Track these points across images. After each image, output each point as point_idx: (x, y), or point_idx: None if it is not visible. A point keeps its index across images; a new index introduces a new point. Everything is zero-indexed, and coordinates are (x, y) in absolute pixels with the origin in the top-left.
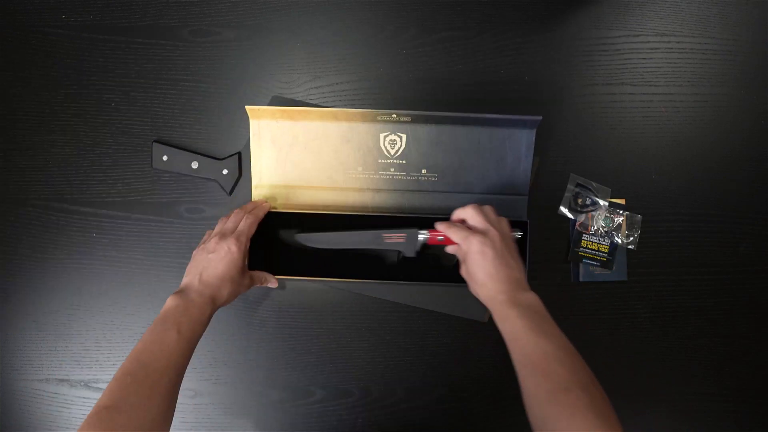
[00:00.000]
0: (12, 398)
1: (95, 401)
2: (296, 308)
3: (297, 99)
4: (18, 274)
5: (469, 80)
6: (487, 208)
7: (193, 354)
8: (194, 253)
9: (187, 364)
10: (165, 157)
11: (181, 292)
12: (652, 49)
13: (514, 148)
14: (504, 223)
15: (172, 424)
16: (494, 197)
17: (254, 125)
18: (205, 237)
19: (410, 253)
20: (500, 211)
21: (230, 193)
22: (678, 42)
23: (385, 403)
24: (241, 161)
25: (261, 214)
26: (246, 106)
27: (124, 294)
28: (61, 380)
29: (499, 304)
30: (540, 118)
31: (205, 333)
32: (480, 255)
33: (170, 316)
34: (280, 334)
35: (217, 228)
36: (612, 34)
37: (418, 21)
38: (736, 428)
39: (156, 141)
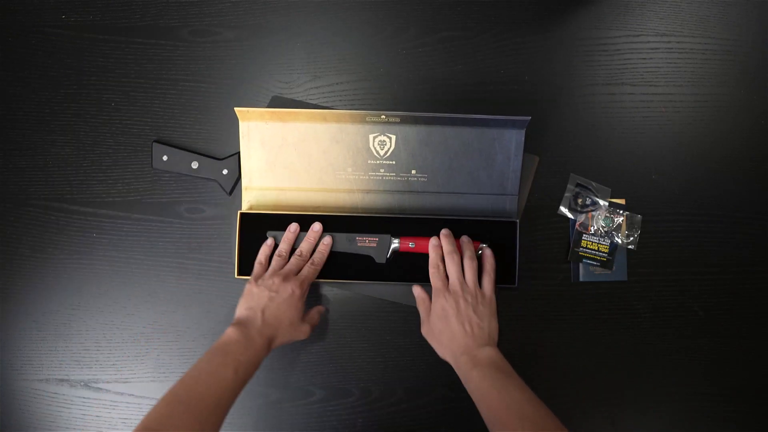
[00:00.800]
0: (12, 398)
1: (95, 401)
2: None
3: (297, 99)
4: (18, 274)
5: (469, 80)
6: (467, 264)
7: (194, 354)
8: (249, 287)
9: (235, 401)
10: (165, 157)
11: (242, 326)
12: (652, 49)
13: (504, 148)
14: (486, 281)
15: None
16: (484, 197)
17: (243, 127)
18: (257, 270)
19: (380, 259)
20: (490, 211)
21: (230, 193)
22: (678, 42)
23: (385, 403)
24: (241, 161)
25: (324, 260)
26: (235, 108)
27: (124, 294)
28: (61, 380)
29: (462, 365)
30: (528, 118)
31: (204, 333)
32: (440, 315)
33: (230, 351)
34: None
35: (275, 265)
36: (612, 34)
37: (418, 21)
38: (736, 428)
39: (156, 141)
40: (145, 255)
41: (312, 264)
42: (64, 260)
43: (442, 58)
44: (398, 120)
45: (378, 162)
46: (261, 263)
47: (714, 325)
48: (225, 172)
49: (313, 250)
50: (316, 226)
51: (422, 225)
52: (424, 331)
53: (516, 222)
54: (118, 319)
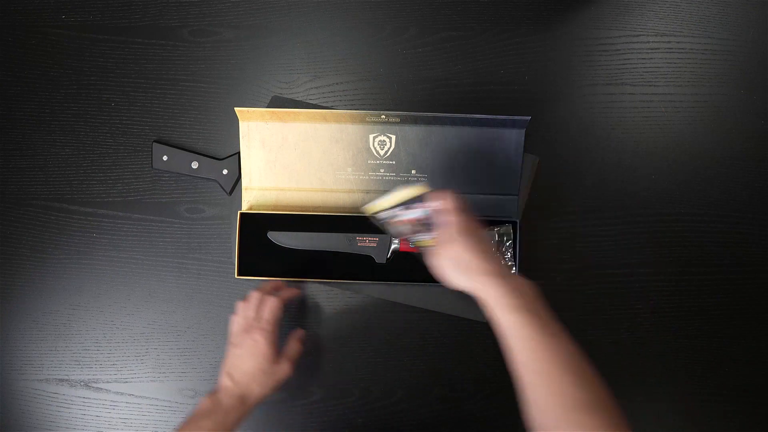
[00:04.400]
0: (12, 398)
1: (95, 401)
2: (296, 308)
3: (297, 99)
4: (18, 274)
5: (469, 80)
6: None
7: (194, 354)
8: (226, 351)
9: None
10: (165, 157)
11: (214, 393)
12: (652, 49)
13: (504, 148)
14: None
15: (173, 423)
16: (484, 197)
17: (243, 127)
18: (231, 328)
19: (381, 259)
20: (491, 210)
21: (230, 193)
22: (678, 42)
23: (385, 403)
24: (240, 161)
25: (285, 295)
26: (235, 108)
27: (124, 294)
28: (61, 380)
29: (493, 299)
30: (528, 117)
31: (204, 333)
32: (457, 232)
33: (199, 420)
34: (279, 334)
35: (239, 319)
36: (612, 34)
37: (418, 21)
38: (736, 428)
39: (156, 141)
40: (145, 255)
41: (269, 301)
42: (64, 260)
43: (442, 58)
44: (398, 120)
45: (378, 162)
46: (242, 304)
47: (714, 325)
48: (225, 172)
49: None
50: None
51: None
52: (438, 260)
53: (517, 221)
54: (118, 319)
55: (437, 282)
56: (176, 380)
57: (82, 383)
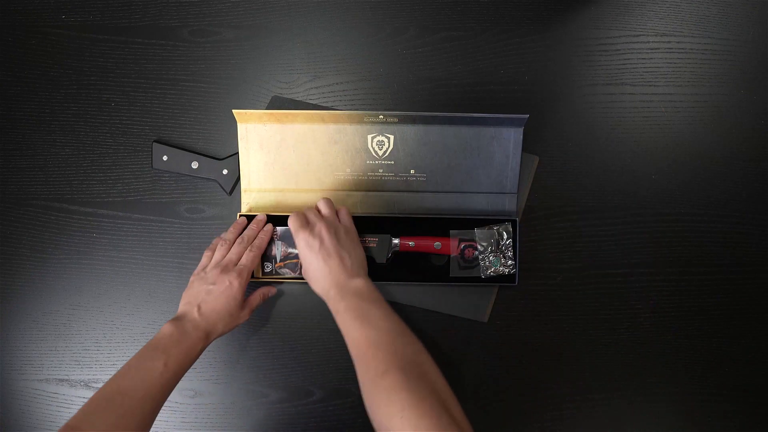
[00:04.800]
0: (12, 398)
1: None
2: (296, 308)
3: (297, 99)
4: (18, 274)
5: (469, 80)
6: (321, 203)
7: None
8: (192, 279)
9: (168, 395)
10: (165, 157)
11: (177, 321)
12: (652, 49)
13: (502, 146)
14: (342, 212)
15: (173, 423)
16: (483, 195)
17: (242, 129)
18: (203, 261)
19: (380, 259)
20: (490, 209)
21: (230, 193)
22: (678, 42)
23: None
24: (240, 162)
25: (264, 245)
26: (233, 110)
27: (124, 294)
28: (61, 380)
29: (331, 299)
30: (527, 116)
31: None
32: (307, 250)
33: (161, 345)
34: (279, 334)
35: (217, 255)
36: (612, 34)
37: (418, 21)
38: (736, 428)
39: (156, 141)
40: (145, 255)
41: (251, 250)
42: (64, 260)
43: (442, 58)
44: (396, 120)
45: (377, 162)
46: (208, 255)
47: (714, 325)
48: (225, 172)
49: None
50: (260, 216)
51: (422, 224)
52: (303, 271)
53: (516, 220)
54: (118, 319)
55: (437, 282)
56: None
57: (82, 383)
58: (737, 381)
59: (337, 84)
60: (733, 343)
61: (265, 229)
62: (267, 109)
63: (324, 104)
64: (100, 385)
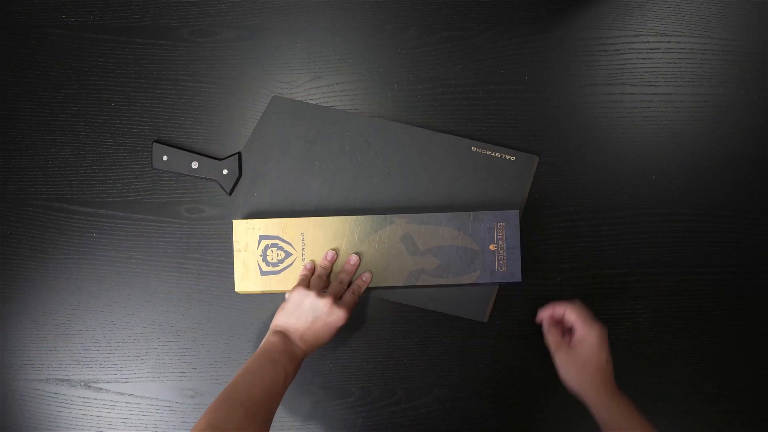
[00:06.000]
0: (12, 398)
1: (95, 401)
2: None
3: (297, 99)
4: (18, 274)
5: (469, 80)
6: (349, 261)
7: (194, 354)
8: (299, 297)
9: None
10: (165, 157)
11: (286, 337)
12: (652, 49)
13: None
14: (363, 278)
15: (173, 423)
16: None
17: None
18: (303, 272)
19: None
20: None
21: (230, 193)
22: (678, 42)
23: (385, 403)
24: (241, 161)
25: (361, 294)
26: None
27: (124, 294)
28: (61, 380)
29: (605, 395)
30: (517, 211)
31: (204, 333)
32: (601, 344)
33: (279, 360)
34: None
35: (317, 283)
36: (612, 34)
37: (418, 21)
38: (736, 428)
39: (156, 141)
40: (145, 255)
41: (353, 293)
42: (64, 260)
43: (442, 58)
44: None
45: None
46: (305, 275)
47: (714, 325)
48: (225, 172)
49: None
50: (353, 259)
51: None
52: (568, 358)
53: (517, 212)
54: (118, 319)
55: (437, 282)
56: (176, 380)
57: (82, 383)
58: (737, 381)
59: (337, 84)
60: (733, 343)
61: (363, 277)
62: (267, 108)
63: (324, 104)
64: (100, 385)
